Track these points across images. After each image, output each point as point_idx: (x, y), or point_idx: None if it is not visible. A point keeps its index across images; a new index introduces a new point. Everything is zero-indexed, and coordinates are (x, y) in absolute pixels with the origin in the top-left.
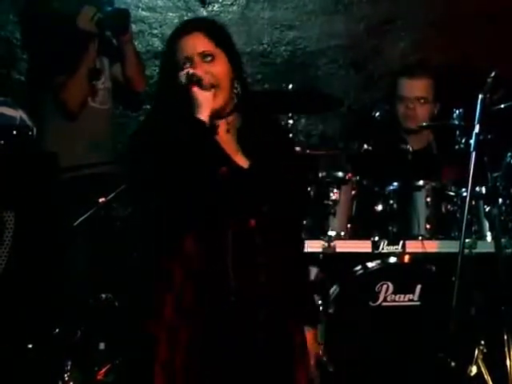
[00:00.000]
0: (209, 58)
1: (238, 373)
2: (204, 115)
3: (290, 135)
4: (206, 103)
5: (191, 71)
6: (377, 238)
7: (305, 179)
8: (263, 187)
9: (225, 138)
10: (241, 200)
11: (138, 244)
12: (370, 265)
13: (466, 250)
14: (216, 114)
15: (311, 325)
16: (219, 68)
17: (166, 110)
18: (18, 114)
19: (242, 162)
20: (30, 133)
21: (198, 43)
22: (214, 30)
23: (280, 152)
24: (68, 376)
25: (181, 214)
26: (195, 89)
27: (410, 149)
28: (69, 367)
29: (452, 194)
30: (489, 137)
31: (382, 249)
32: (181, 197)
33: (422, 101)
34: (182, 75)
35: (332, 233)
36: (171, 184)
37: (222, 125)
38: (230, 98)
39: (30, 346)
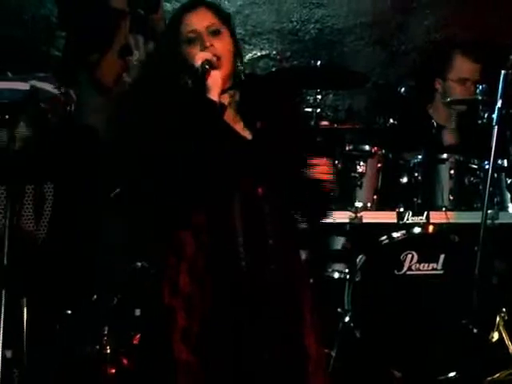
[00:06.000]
0: (215, 33)
1: (252, 340)
2: (214, 95)
3: (300, 106)
4: (216, 84)
5: (206, 58)
6: (402, 209)
7: (310, 145)
8: (267, 156)
9: (228, 111)
10: (247, 170)
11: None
12: (395, 235)
13: (489, 221)
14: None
15: None
16: (224, 43)
17: (165, 83)
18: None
19: (245, 133)
20: (69, 108)
21: (204, 18)
22: (216, 6)
23: (282, 120)
24: (105, 341)
25: (188, 186)
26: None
27: (435, 123)
28: (106, 332)
29: (475, 166)
30: (511, 111)
31: (407, 219)
32: (188, 169)
33: None
34: (198, 62)
35: (359, 204)
36: (179, 156)
37: (225, 99)
38: (231, 73)
39: (69, 312)
